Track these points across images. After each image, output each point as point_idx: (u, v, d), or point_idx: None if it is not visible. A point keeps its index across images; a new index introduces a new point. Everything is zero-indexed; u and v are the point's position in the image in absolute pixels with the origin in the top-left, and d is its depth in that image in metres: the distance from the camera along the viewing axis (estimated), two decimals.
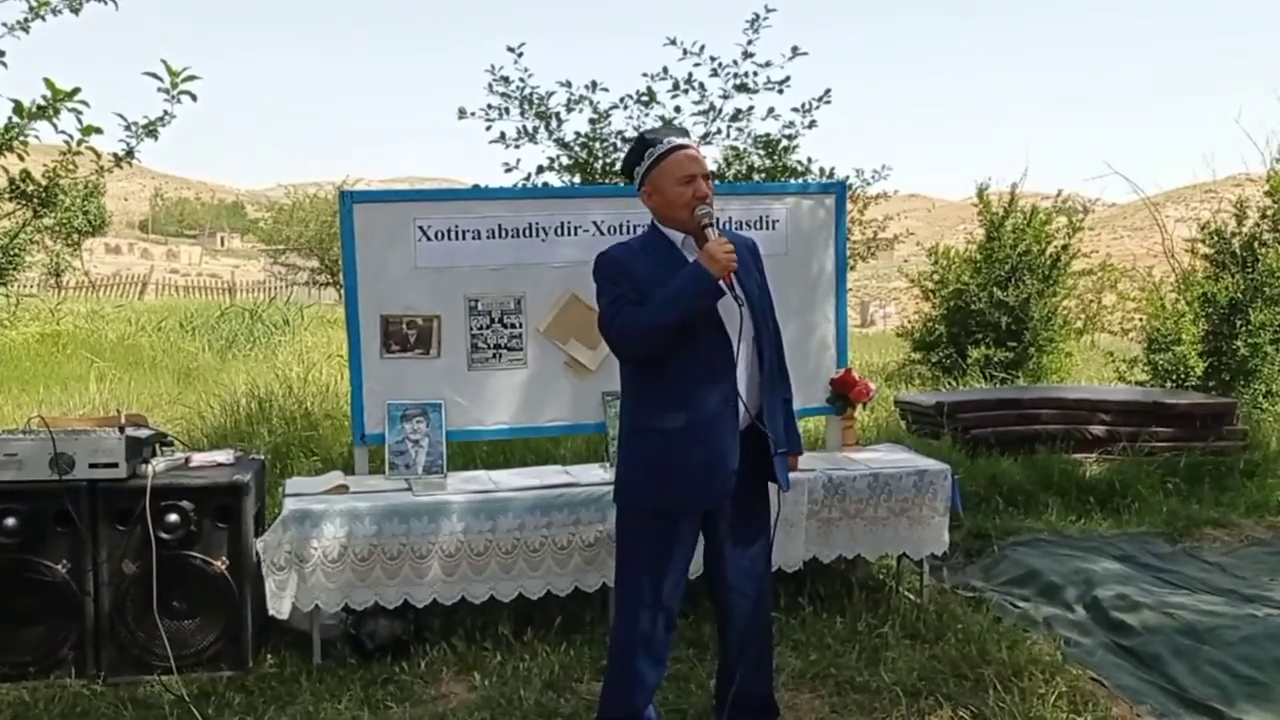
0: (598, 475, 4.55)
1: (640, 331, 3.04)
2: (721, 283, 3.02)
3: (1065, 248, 12.27)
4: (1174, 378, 9.49)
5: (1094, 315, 14.75)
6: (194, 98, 4.84)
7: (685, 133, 3.36)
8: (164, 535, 3.92)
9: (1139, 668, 4.19)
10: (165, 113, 4.93)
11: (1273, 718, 3.67)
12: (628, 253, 3.20)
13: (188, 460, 4.24)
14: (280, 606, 4.01)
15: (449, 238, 4.66)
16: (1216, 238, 10.06)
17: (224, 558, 4.02)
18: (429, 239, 4.64)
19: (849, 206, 8.15)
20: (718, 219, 3.19)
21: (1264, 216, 9.96)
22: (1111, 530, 6.16)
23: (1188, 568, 5.51)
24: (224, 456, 4.33)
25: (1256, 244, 9.75)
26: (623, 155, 7.01)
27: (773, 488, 3.31)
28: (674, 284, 3.03)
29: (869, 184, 7.90)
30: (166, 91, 4.83)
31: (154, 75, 4.79)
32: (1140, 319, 11.08)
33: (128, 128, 5.00)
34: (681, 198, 3.12)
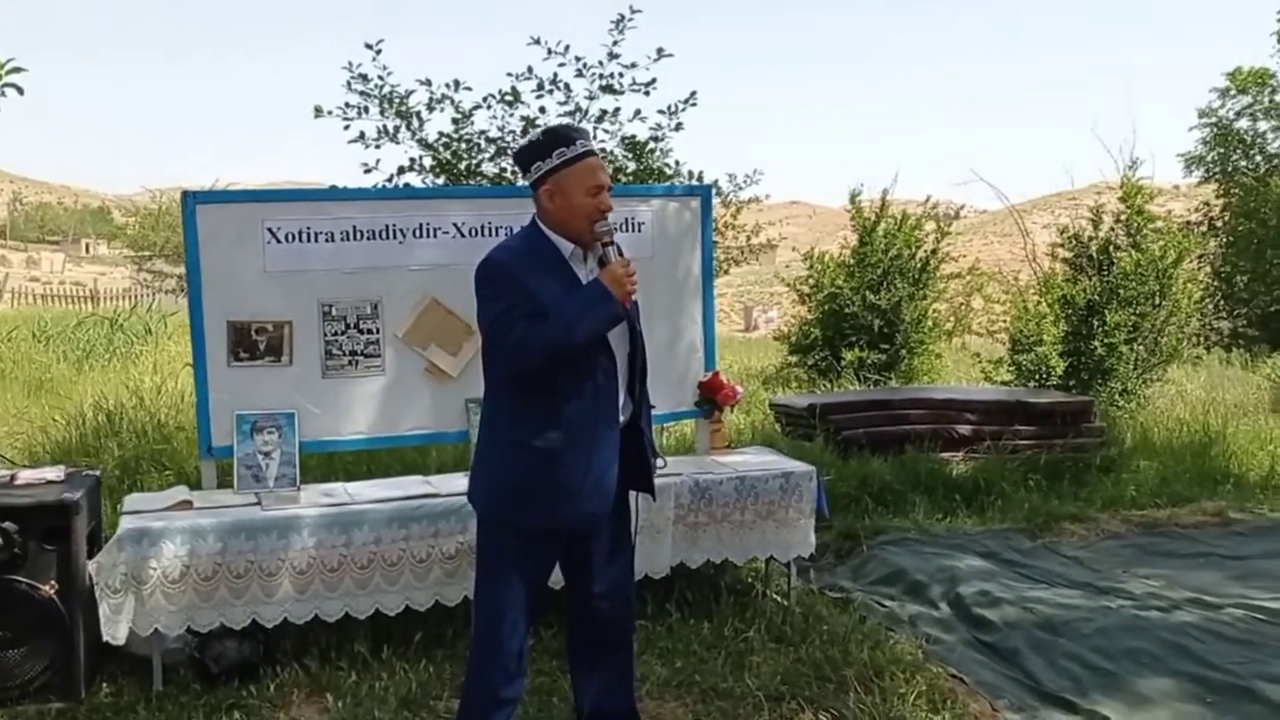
0: (460, 485, 4.37)
1: (539, 349, 2.89)
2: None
3: (934, 252, 12.58)
4: (1036, 377, 9.79)
5: (963, 318, 15.16)
6: (20, 90, 4.55)
7: (592, 137, 3.27)
8: None
9: (998, 663, 4.25)
10: None
11: (1123, 707, 3.76)
12: (516, 258, 3.02)
13: (13, 478, 3.97)
14: (115, 632, 3.77)
15: (300, 240, 4.47)
16: (1075, 242, 10.44)
17: (53, 581, 3.76)
18: (279, 241, 4.44)
19: (722, 211, 8.17)
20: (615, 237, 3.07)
21: (1118, 221, 10.37)
22: (976, 527, 6.28)
23: (1047, 562, 5.64)
24: (54, 473, 4.06)
25: (1111, 248, 10.15)
26: (487, 156, 6.95)
27: (633, 495, 3.24)
28: (577, 304, 2.92)
29: (741, 188, 7.92)
30: None
31: None
32: (1006, 321, 11.42)
33: None
34: (586, 208, 2.99)
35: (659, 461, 3.28)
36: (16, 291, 35.19)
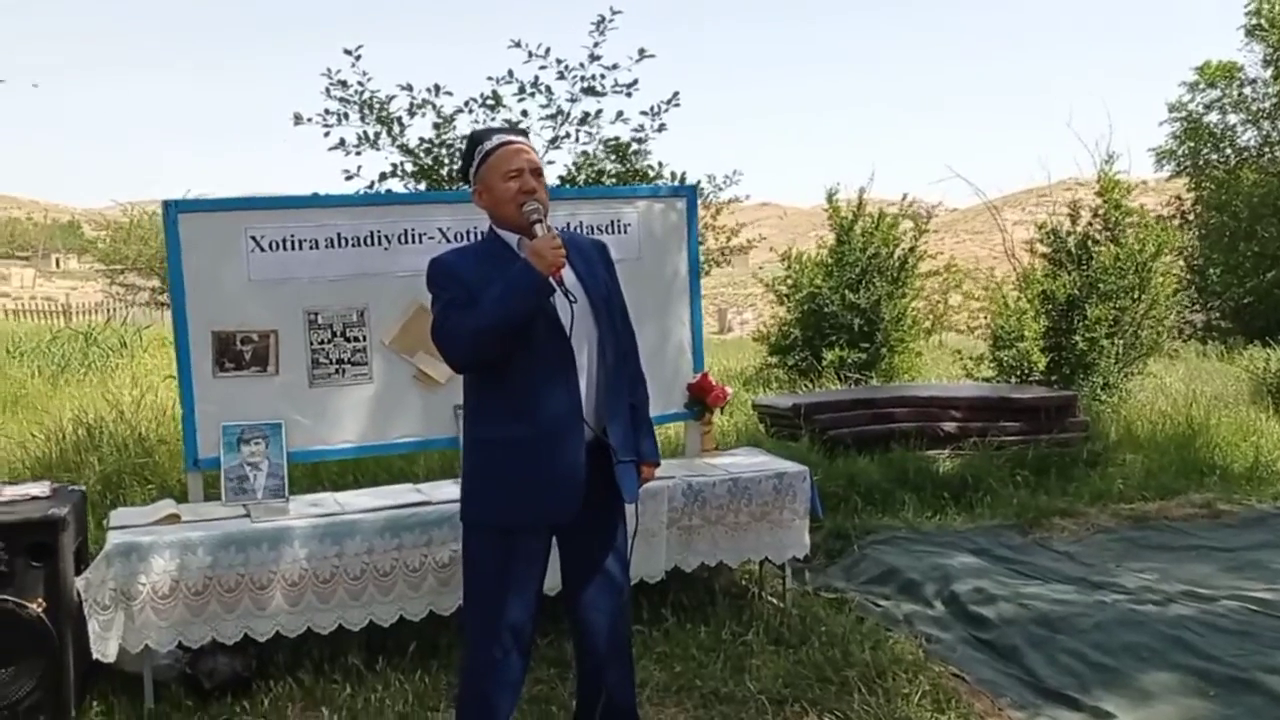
0: (451, 492, 4.33)
1: (468, 335, 2.88)
2: (551, 280, 2.88)
3: (912, 250, 12.60)
4: (1018, 373, 9.81)
5: (941, 315, 15.19)
6: None
7: (521, 131, 3.23)
8: None
9: (998, 660, 4.23)
10: None
11: (1126, 702, 3.74)
12: (461, 256, 3.08)
13: None
14: (106, 649, 3.69)
15: (284, 248, 4.41)
16: (1053, 237, 10.48)
17: (40, 599, 3.68)
18: (263, 250, 4.38)
19: (702, 213, 8.14)
20: (547, 218, 3.01)
21: (1095, 216, 10.42)
22: (965, 524, 6.28)
23: (1039, 558, 5.63)
24: (39, 489, 3.98)
25: (1090, 242, 10.19)
26: None
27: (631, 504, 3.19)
28: (501, 284, 2.89)
29: (721, 189, 7.89)
30: None
31: None
32: (985, 317, 11.45)
33: None
34: (507, 193, 3.00)
35: (619, 457, 3.13)
36: None
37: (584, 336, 3.01)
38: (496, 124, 6.81)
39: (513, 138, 3.11)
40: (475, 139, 3.15)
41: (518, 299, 2.87)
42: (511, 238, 3.05)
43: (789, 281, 13.27)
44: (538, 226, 2.96)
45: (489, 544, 3.01)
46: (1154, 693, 3.83)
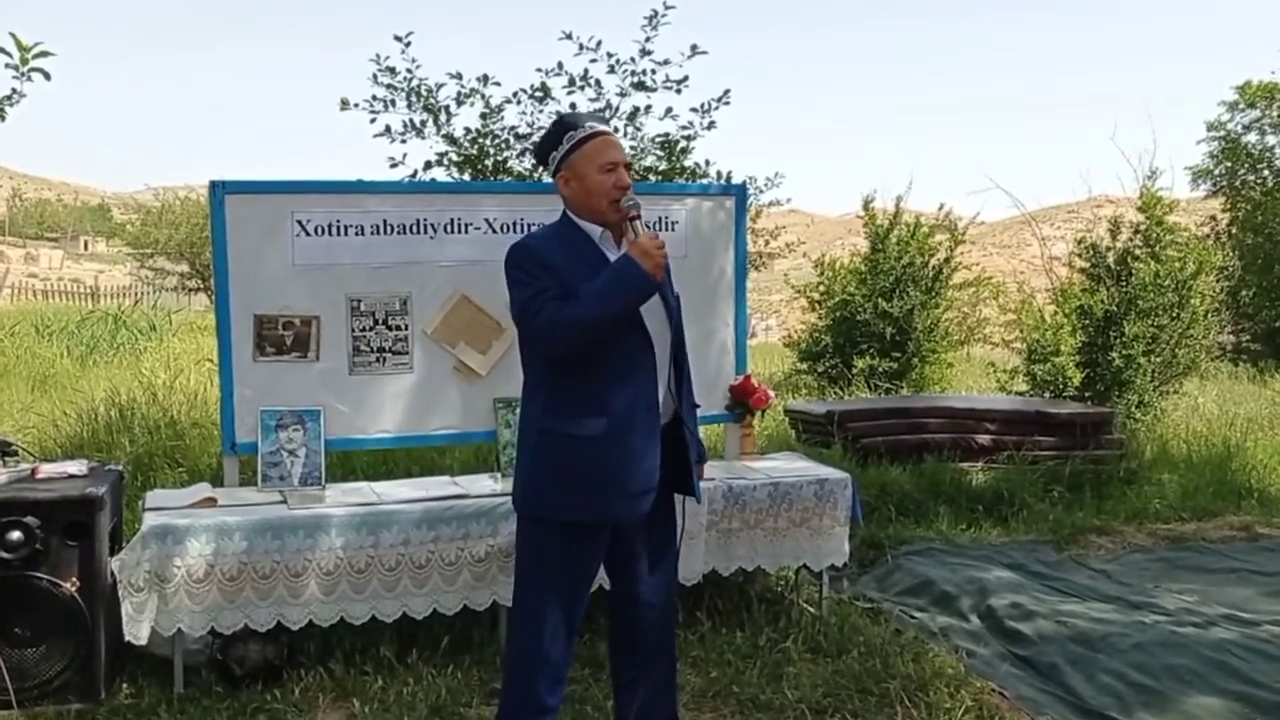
0: (488, 486, 4.33)
1: (569, 326, 2.81)
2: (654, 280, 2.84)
3: (947, 260, 12.49)
4: (1052, 388, 9.68)
5: (972, 327, 15.05)
6: (47, 76, 4.42)
7: (606, 120, 3.18)
8: (5, 554, 3.55)
9: (1037, 678, 4.15)
10: (14, 91, 4.51)
11: None
12: (545, 243, 2.99)
13: (34, 471, 3.86)
14: (138, 631, 3.66)
15: (330, 233, 4.37)
16: (1092, 252, 10.34)
17: (74, 578, 3.66)
18: (308, 234, 4.35)
19: None
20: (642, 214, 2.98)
21: (1136, 232, 10.28)
22: (1000, 538, 6.20)
23: (1075, 575, 5.54)
24: (76, 467, 3.96)
25: (1129, 258, 10.05)
26: (515, 153, 6.85)
27: (678, 498, 3.14)
28: (606, 277, 2.83)
29: (762, 191, 7.80)
30: (16, 69, 4.41)
31: (1, 50, 4.38)
32: (1020, 330, 11.33)
33: None
34: (602, 186, 2.93)
35: (702, 466, 3.18)
36: (16, 287, 35.04)
37: (660, 337, 2.98)
38: (545, 117, 6.76)
39: (606, 128, 3.04)
40: (565, 124, 3.05)
41: (624, 295, 2.82)
42: (593, 229, 2.98)
43: (821, 288, 13.19)
44: (638, 223, 2.91)
45: (549, 538, 2.96)
46: (1198, 716, 3.75)
